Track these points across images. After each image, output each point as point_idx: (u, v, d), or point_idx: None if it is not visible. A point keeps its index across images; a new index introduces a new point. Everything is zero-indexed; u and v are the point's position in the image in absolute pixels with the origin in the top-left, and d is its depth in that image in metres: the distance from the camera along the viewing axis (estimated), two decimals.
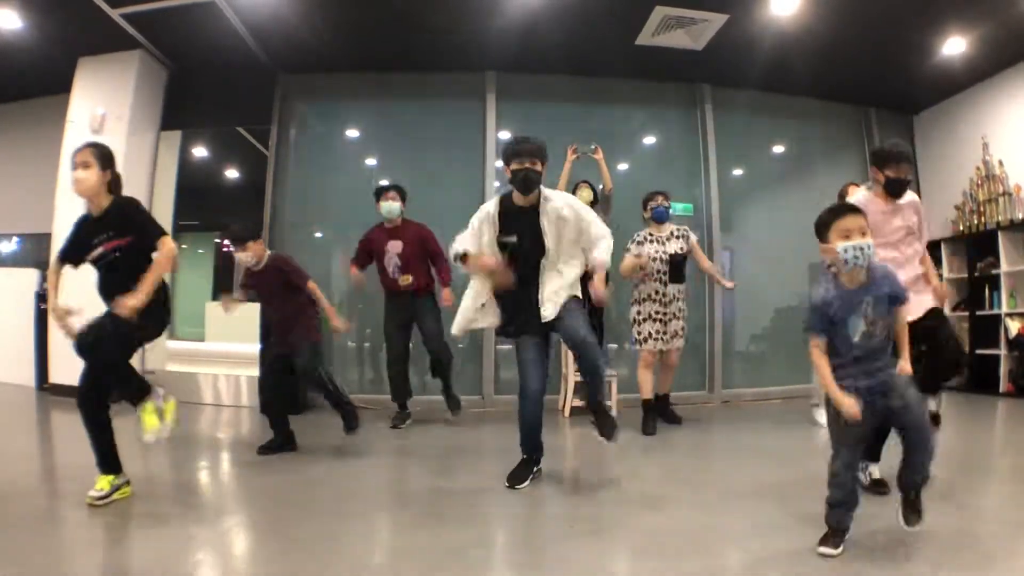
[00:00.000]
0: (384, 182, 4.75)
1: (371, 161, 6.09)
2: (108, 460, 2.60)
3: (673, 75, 5.95)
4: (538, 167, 2.86)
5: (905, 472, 2.09)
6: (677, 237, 4.36)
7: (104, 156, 2.66)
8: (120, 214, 2.64)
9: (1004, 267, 5.70)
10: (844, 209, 2.07)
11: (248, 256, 3.55)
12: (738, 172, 6.38)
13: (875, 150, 2.90)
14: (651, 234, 4.37)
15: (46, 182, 5.38)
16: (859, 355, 2.04)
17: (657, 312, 4.30)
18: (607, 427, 2.98)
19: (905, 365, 2.07)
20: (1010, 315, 5.62)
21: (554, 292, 2.90)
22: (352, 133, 6.14)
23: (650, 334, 4.30)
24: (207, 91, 5.78)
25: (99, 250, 2.62)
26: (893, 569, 1.97)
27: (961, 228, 6.26)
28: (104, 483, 2.56)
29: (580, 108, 6.01)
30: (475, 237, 2.96)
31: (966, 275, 6.12)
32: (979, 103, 6.17)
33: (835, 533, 2.06)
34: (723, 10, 4.84)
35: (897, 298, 2.06)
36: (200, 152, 6.10)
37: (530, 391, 2.91)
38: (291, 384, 3.74)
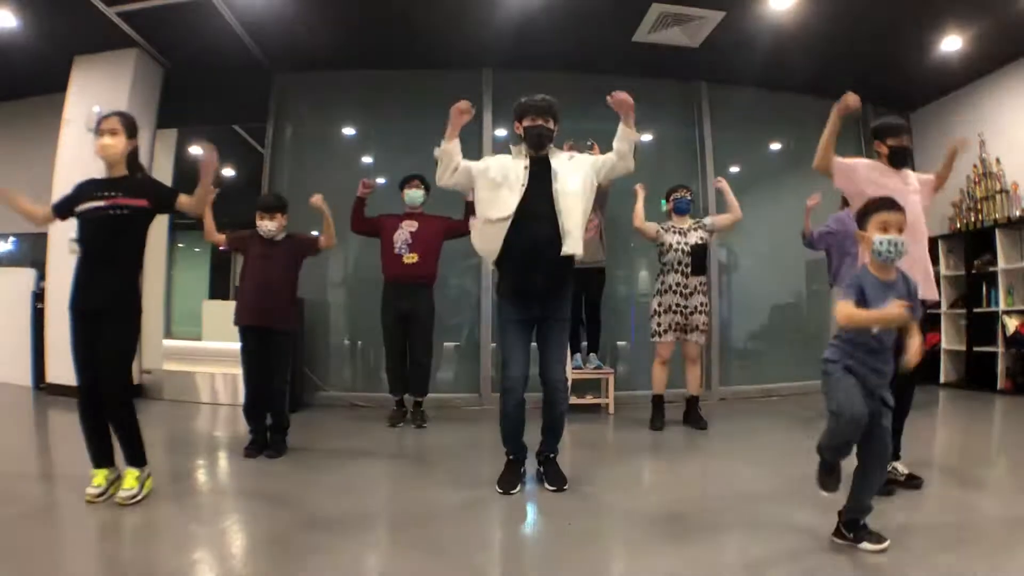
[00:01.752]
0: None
1: (367, 159, 6.08)
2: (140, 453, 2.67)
3: (670, 72, 5.94)
4: (551, 125, 2.86)
5: (858, 496, 2.08)
6: (696, 229, 4.37)
7: (130, 125, 2.74)
8: (138, 182, 2.72)
9: (1001, 264, 5.70)
10: (887, 203, 2.10)
11: (273, 227, 3.52)
12: (735, 169, 6.36)
13: (874, 126, 2.99)
14: (673, 225, 4.39)
15: (42, 181, 5.35)
16: (874, 347, 2.05)
17: (678, 305, 4.27)
18: (558, 479, 2.85)
19: (912, 355, 2.05)
20: (1007, 312, 5.62)
21: (575, 226, 2.77)
22: (348, 131, 6.13)
23: (669, 326, 4.27)
24: (203, 89, 5.76)
25: (99, 203, 2.61)
26: (894, 566, 1.97)
27: (958, 225, 6.26)
28: (132, 480, 2.58)
29: (576, 105, 5.97)
30: (471, 172, 2.91)
31: (963, 272, 6.13)
32: (976, 101, 6.17)
33: (832, 469, 2.08)
34: (719, 7, 4.83)
35: (915, 312, 2.07)
36: (196, 151, 6.08)
37: (512, 380, 2.79)
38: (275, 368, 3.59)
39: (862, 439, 2.07)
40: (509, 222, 2.75)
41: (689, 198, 4.46)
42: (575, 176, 2.85)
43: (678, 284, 4.29)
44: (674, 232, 4.35)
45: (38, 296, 5.61)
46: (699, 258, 4.32)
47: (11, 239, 6.48)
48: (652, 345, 4.43)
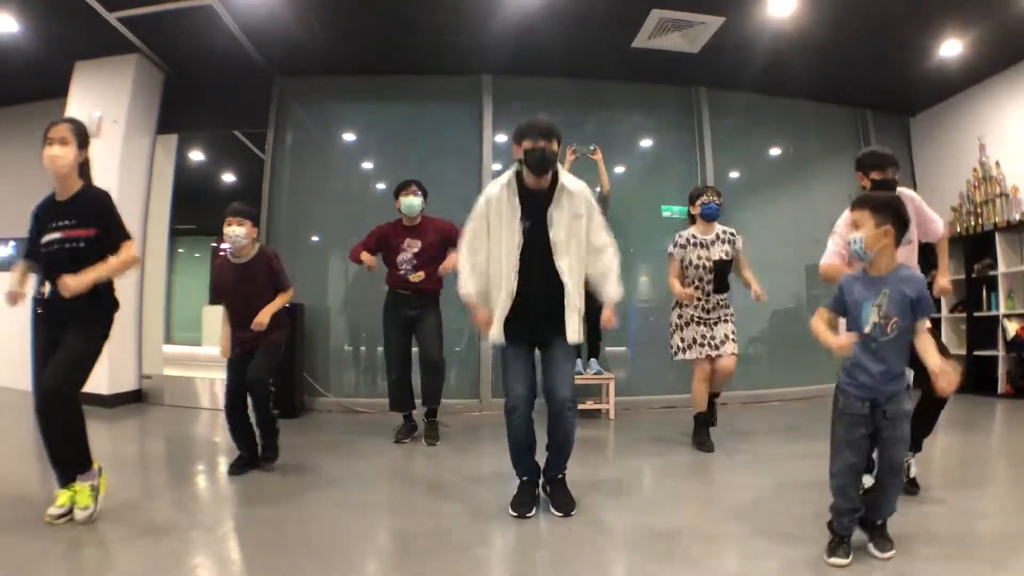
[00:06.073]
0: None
1: (367, 164, 6.09)
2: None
3: (669, 78, 5.95)
4: (554, 146, 2.64)
5: (875, 500, 2.08)
6: (723, 241, 3.91)
7: (81, 133, 2.57)
8: (89, 205, 2.54)
9: (1001, 268, 5.70)
10: (853, 203, 2.15)
11: (241, 233, 3.24)
12: (734, 175, 6.37)
13: (857, 157, 2.88)
14: (695, 236, 3.92)
15: (42, 186, 5.33)
16: (873, 348, 2.02)
17: (700, 317, 3.90)
18: (565, 504, 2.65)
19: (931, 361, 1.99)
20: (1008, 316, 5.62)
21: (576, 310, 2.65)
22: (349, 136, 6.14)
23: (695, 339, 3.88)
24: (204, 94, 5.78)
25: (56, 235, 2.49)
26: (893, 571, 1.96)
27: (958, 229, 6.26)
28: (86, 497, 2.44)
29: (577, 111, 6.01)
30: (482, 237, 2.73)
31: (964, 276, 6.12)
32: (976, 105, 6.18)
33: (842, 541, 2.05)
34: (719, 13, 4.84)
35: (919, 306, 2.03)
36: (196, 156, 6.10)
37: (515, 400, 2.62)
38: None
39: (878, 458, 2.06)
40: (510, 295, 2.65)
41: (718, 203, 3.93)
42: (574, 247, 2.69)
43: (698, 300, 3.90)
44: (695, 245, 3.90)
45: (38, 301, 5.59)
46: (721, 275, 3.90)
47: (11, 243, 6.47)
48: (667, 356, 4.09)
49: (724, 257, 3.89)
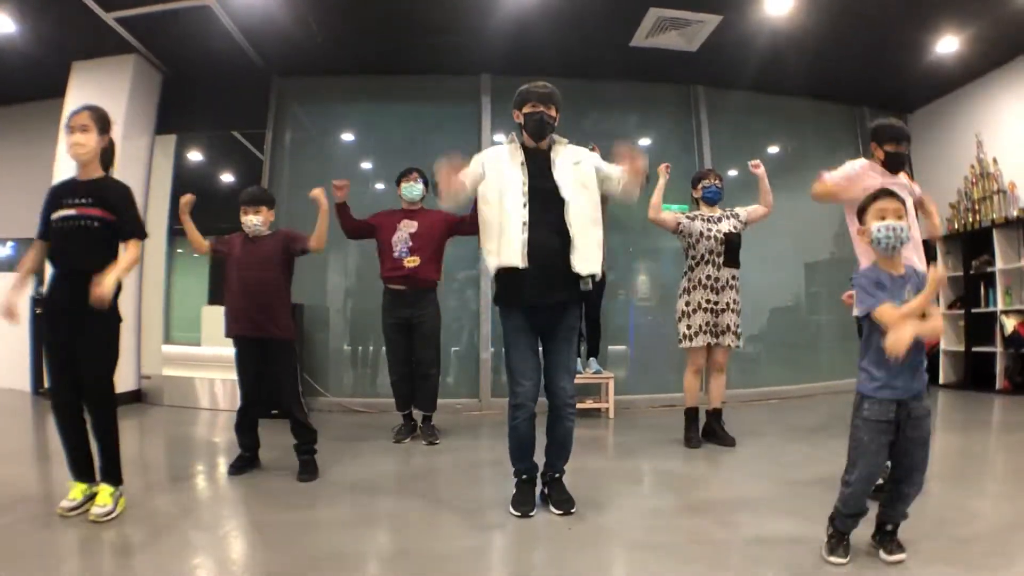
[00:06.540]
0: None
1: (366, 164, 6.09)
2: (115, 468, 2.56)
3: (667, 76, 5.96)
4: (552, 112, 2.71)
5: (892, 504, 2.04)
6: (729, 217, 3.96)
7: (102, 120, 2.59)
8: (111, 189, 2.57)
9: (999, 264, 5.72)
10: (881, 192, 2.09)
11: (259, 221, 3.23)
12: (733, 173, 6.36)
13: (875, 126, 2.88)
14: (700, 213, 3.98)
15: (40, 186, 5.31)
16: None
17: (709, 301, 3.84)
18: (564, 503, 2.63)
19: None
20: (1005, 312, 5.64)
21: (585, 245, 2.57)
22: (347, 136, 6.14)
23: (700, 327, 3.83)
24: (202, 95, 5.78)
25: (71, 211, 2.47)
26: (890, 569, 1.97)
27: (956, 226, 6.28)
28: (106, 496, 2.48)
29: (574, 110, 5.98)
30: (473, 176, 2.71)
31: (961, 273, 6.14)
32: (973, 101, 6.20)
33: (843, 538, 2.04)
34: (717, 11, 4.84)
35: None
36: (195, 156, 6.09)
37: (523, 395, 2.59)
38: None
39: (894, 451, 2.00)
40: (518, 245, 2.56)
41: (719, 186, 3.98)
42: (581, 192, 2.66)
43: (708, 277, 3.85)
44: (702, 220, 3.92)
45: (37, 301, 5.59)
46: (733, 248, 3.89)
47: (10, 244, 6.47)
48: (681, 352, 4.00)
49: (732, 230, 3.91)
